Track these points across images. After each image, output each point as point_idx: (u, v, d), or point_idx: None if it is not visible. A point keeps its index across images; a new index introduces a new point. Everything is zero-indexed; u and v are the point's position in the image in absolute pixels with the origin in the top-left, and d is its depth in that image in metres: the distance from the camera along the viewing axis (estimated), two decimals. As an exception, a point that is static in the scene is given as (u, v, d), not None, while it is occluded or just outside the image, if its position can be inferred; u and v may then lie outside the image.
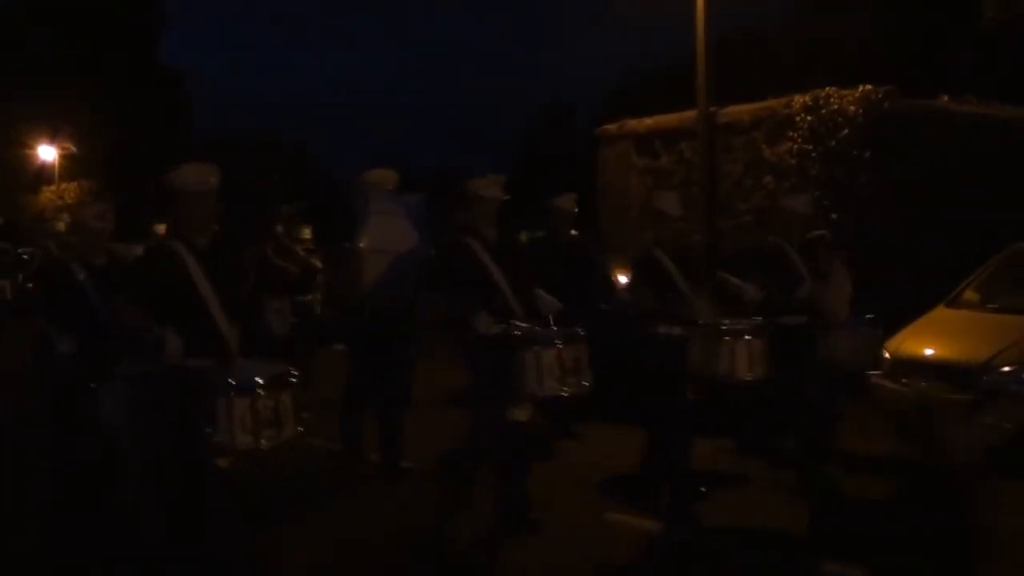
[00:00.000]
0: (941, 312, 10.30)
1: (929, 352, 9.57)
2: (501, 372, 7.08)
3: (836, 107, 15.15)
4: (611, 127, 18.87)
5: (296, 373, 5.95)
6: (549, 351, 7.10)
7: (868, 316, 8.54)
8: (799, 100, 15.65)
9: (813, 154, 15.29)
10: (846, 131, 14.96)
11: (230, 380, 5.62)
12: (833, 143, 15.08)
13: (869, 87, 15.03)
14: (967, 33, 18.10)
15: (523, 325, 7.24)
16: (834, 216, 14.31)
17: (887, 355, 9.65)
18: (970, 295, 10.40)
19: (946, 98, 15.81)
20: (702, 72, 16.23)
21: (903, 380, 9.45)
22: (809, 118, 15.40)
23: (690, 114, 16.77)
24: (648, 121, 18.15)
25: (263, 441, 5.66)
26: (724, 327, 7.95)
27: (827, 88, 15.45)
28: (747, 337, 7.91)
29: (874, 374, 9.60)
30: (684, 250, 8.43)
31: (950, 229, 14.03)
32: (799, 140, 15.47)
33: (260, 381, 5.68)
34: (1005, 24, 17.91)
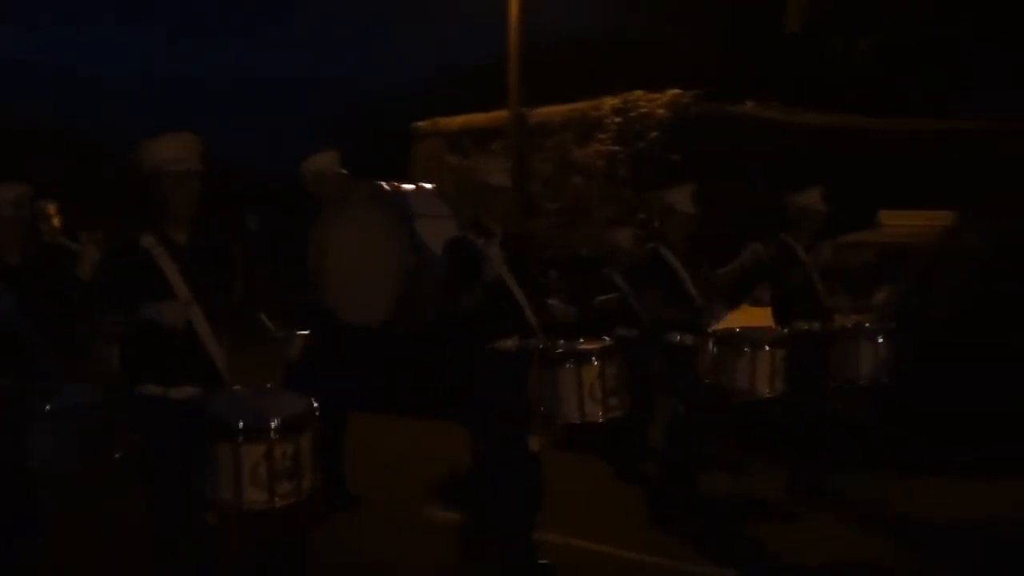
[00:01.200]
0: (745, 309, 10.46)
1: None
2: (517, 393, 6.14)
3: (644, 110, 15.36)
4: (424, 124, 18.73)
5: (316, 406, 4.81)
6: (589, 367, 6.13)
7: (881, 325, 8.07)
8: (608, 102, 15.80)
9: (621, 156, 15.44)
10: (654, 134, 15.16)
11: (237, 420, 4.50)
12: (641, 145, 15.27)
13: (677, 91, 15.28)
14: (774, 39, 18.56)
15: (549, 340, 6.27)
16: (641, 216, 14.46)
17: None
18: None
19: (752, 104, 16.17)
20: (514, 72, 16.21)
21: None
22: (618, 120, 15.56)
23: (501, 114, 16.75)
24: (460, 119, 18.08)
25: (277, 499, 4.53)
26: (742, 334, 7.35)
27: (636, 91, 15.65)
28: (767, 348, 7.21)
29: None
30: (693, 248, 7.69)
31: (753, 231, 14.26)
32: (608, 142, 15.62)
33: (275, 423, 4.53)
34: (809, 31, 18.44)
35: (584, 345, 6.38)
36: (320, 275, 7.39)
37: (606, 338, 6.67)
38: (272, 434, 4.51)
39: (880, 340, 7.73)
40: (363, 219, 7.54)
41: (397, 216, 7.51)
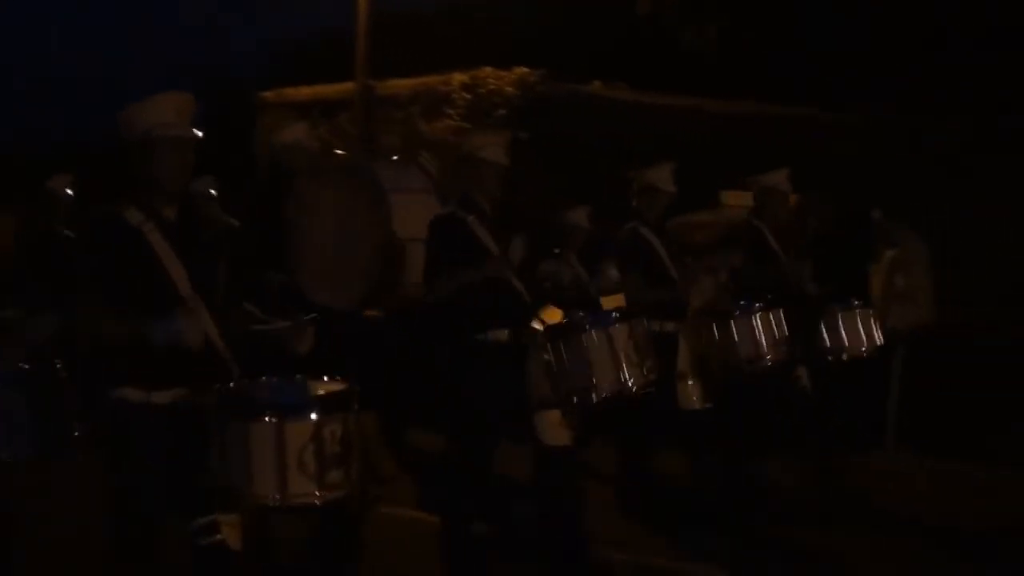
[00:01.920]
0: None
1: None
2: (509, 391, 5.68)
3: (493, 87, 15.35)
4: (269, 94, 18.37)
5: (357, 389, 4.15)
6: (618, 328, 5.57)
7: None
8: (457, 78, 15.75)
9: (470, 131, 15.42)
10: (502, 111, 15.18)
11: (276, 397, 3.99)
12: (489, 122, 15.26)
13: (525, 69, 15.33)
14: (624, 21, 18.78)
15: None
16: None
17: (539, 327, 9.77)
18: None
19: (598, 84, 16.31)
20: (362, 44, 16.07)
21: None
22: (467, 96, 15.53)
23: (349, 86, 16.56)
24: (307, 90, 17.80)
25: (327, 490, 3.85)
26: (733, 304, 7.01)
27: (485, 68, 15.63)
28: (760, 311, 6.94)
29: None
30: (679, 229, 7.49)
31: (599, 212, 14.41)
32: (456, 117, 15.56)
33: (320, 398, 3.98)
34: (656, 13, 18.69)
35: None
36: (292, 253, 6.78)
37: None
38: (319, 411, 3.86)
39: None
40: (336, 194, 6.96)
41: (371, 191, 7.00)
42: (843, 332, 7.83)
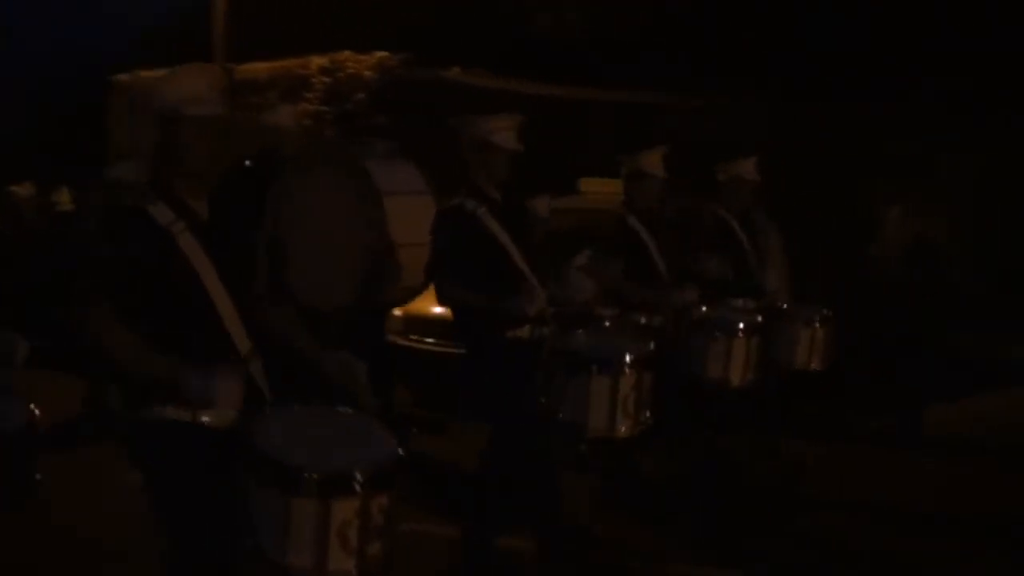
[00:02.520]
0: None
1: (437, 309, 9.81)
2: (531, 390, 5.46)
3: (352, 71, 15.30)
4: (124, 77, 17.96)
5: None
6: (626, 376, 5.43)
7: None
8: (316, 62, 15.66)
9: (328, 116, 15.35)
10: (361, 95, 15.14)
11: (318, 467, 3.41)
12: (349, 106, 15.21)
13: (385, 54, 15.30)
14: (484, 6, 18.83)
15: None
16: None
17: (398, 313, 9.82)
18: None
19: (458, 70, 16.35)
20: (219, 26, 15.85)
21: (412, 336, 9.66)
22: (326, 80, 15.45)
23: (206, 68, 16.29)
24: (162, 73, 17.44)
25: (367, 564, 3.48)
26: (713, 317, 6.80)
27: (344, 52, 15.56)
28: (741, 335, 6.80)
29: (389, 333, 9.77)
30: (673, 220, 7.24)
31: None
32: (315, 101, 15.48)
33: (364, 472, 3.45)
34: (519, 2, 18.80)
35: (618, 346, 5.66)
36: (277, 248, 6.35)
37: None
38: (365, 485, 3.45)
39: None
40: (325, 187, 6.67)
41: (363, 190, 6.71)
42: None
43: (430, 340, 9.52)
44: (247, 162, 7.05)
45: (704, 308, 7.01)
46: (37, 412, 4.29)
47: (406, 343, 9.72)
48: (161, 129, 3.66)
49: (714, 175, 7.97)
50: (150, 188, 3.66)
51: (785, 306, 7.76)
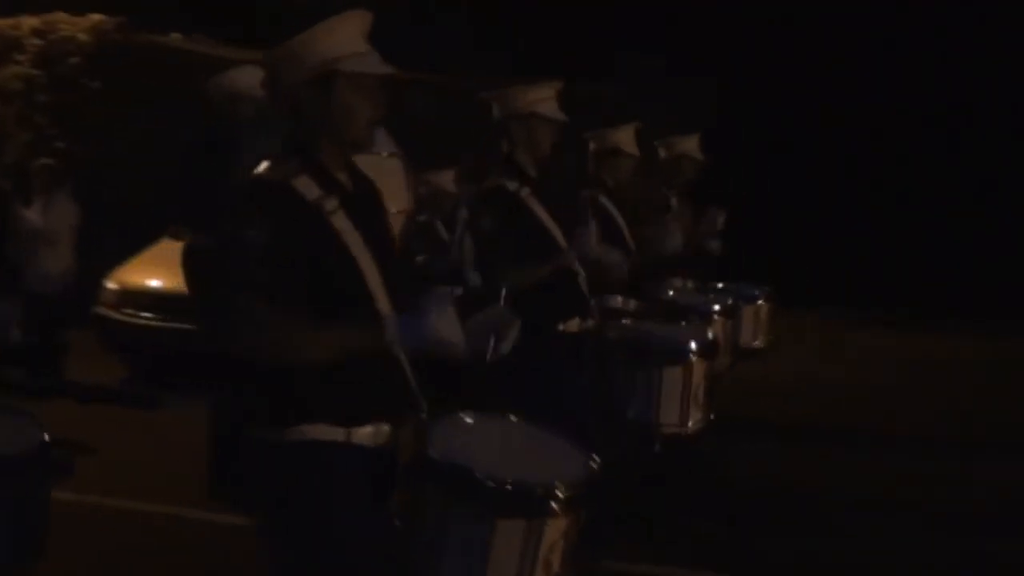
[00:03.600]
0: (165, 244, 10.59)
1: (153, 283, 9.84)
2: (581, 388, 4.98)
3: (66, 34, 14.87)
4: None
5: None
6: (697, 366, 5.17)
7: None
8: (28, 23, 15.11)
9: (41, 80, 14.88)
10: (76, 59, 14.74)
11: (531, 483, 3.02)
12: (62, 70, 14.79)
13: (100, 17, 14.93)
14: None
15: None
16: (61, 144, 14.08)
17: (111, 286, 9.80)
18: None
19: (177, 36, 16.14)
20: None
21: (126, 311, 9.66)
22: (38, 42, 14.96)
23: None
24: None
25: None
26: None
27: (58, 13, 15.10)
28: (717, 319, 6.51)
29: (98, 306, 9.73)
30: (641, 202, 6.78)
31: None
32: (27, 64, 14.96)
33: (560, 492, 3.03)
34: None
35: (683, 334, 5.43)
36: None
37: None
38: (570, 503, 3.05)
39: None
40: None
41: None
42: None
43: (145, 315, 9.54)
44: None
45: (671, 293, 6.97)
46: (47, 437, 3.70)
47: (120, 317, 9.71)
48: (311, 90, 3.09)
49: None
50: (295, 160, 3.10)
51: (721, 285, 7.75)
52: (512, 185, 4.99)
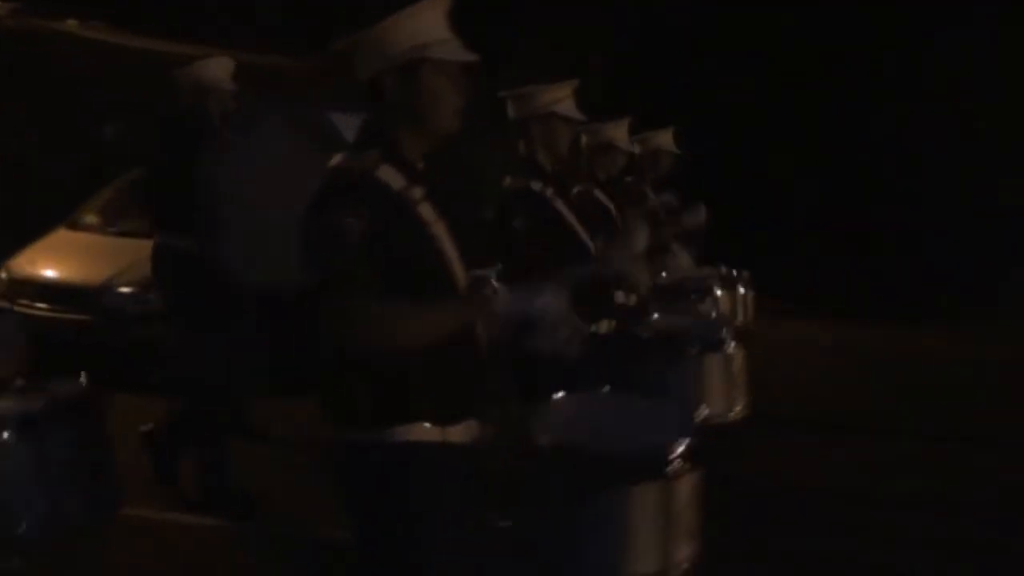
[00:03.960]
0: (61, 234, 10.30)
1: (49, 273, 9.56)
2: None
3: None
4: None
5: None
6: (736, 351, 5.25)
7: None
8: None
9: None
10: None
11: (641, 452, 3.13)
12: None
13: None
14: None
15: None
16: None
17: (3, 276, 9.50)
18: (91, 218, 10.51)
19: (74, 21, 15.80)
20: None
21: (21, 301, 9.36)
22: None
23: None
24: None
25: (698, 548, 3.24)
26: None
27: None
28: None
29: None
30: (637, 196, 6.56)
31: (78, 150, 14.09)
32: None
33: (684, 449, 3.18)
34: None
35: (719, 322, 5.61)
36: (212, 221, 5.68)
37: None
38: (692, 462, 3.18)
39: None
40: (272, 150, 5.90)
41: (326, 145, 5.45)
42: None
43: (41, 306, 9.26)
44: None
45: (664, 275, 7.10)
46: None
47: (14, 307, 9.40)
48: (396, 77, 3.02)
49: None
50: (374, 149, 3.03)
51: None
52: (537, 185, 4.97)
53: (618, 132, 6.72)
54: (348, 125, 6.06)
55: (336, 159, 3.03)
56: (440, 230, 3.03)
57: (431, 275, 3.00)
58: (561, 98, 5.01)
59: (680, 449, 3.10)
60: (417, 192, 3.01)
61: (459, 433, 3.01)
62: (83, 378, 4.06)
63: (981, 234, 16.57)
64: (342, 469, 3.03)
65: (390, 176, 2.97)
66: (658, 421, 3.34)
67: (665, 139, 7.98)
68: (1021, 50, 16.30)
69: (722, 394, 5.36)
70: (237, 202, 5.75)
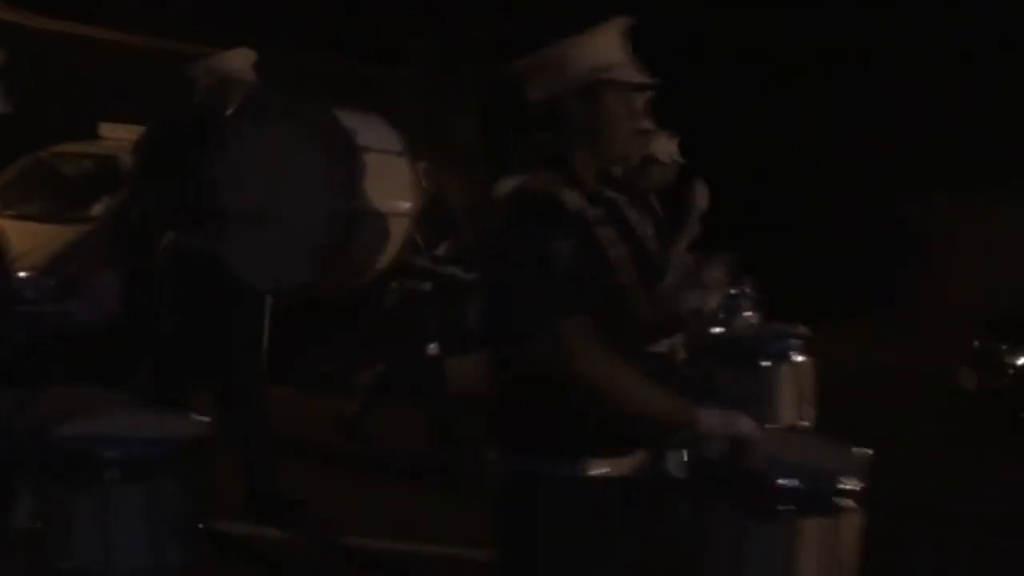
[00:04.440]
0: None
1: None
2: None
3: None
4: None
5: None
6: (805, 362, 5.18)
7: None
8: None
9: None
10: None
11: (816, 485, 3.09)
12: None
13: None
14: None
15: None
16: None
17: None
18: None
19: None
20: None
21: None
22: None
23: None
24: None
25: None
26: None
27: None
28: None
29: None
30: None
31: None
32: None
33: (854, 487, 3.09)
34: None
35: (783, 331, 5.48)
36: (217, 218, 5.41)
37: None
38: (860, 499, 3.11)
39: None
40: (283, 146, 5.47)
41: (335, 148, 5.41)
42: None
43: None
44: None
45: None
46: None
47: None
48: (577, 99, 2.98)
49: None
50: (550, 171, 2.96)
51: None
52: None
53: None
54: (365, 127, 5.74)
55: (516, 180, 2.95)
56: (620, 254, 2.95)
57: (610, 299, 2.90)
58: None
59: (850, 487, 3.08)
60: (597, 214, 2.95)
61: (626, 464, 2.94)
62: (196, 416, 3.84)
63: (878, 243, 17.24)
64: (509, 496, 2.96)
65: (572, 199, 2.89)
66: (828, 457, 3.28)
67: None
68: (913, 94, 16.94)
69: (791, 405, 5.27)
70: (237, 198, 5.50)
